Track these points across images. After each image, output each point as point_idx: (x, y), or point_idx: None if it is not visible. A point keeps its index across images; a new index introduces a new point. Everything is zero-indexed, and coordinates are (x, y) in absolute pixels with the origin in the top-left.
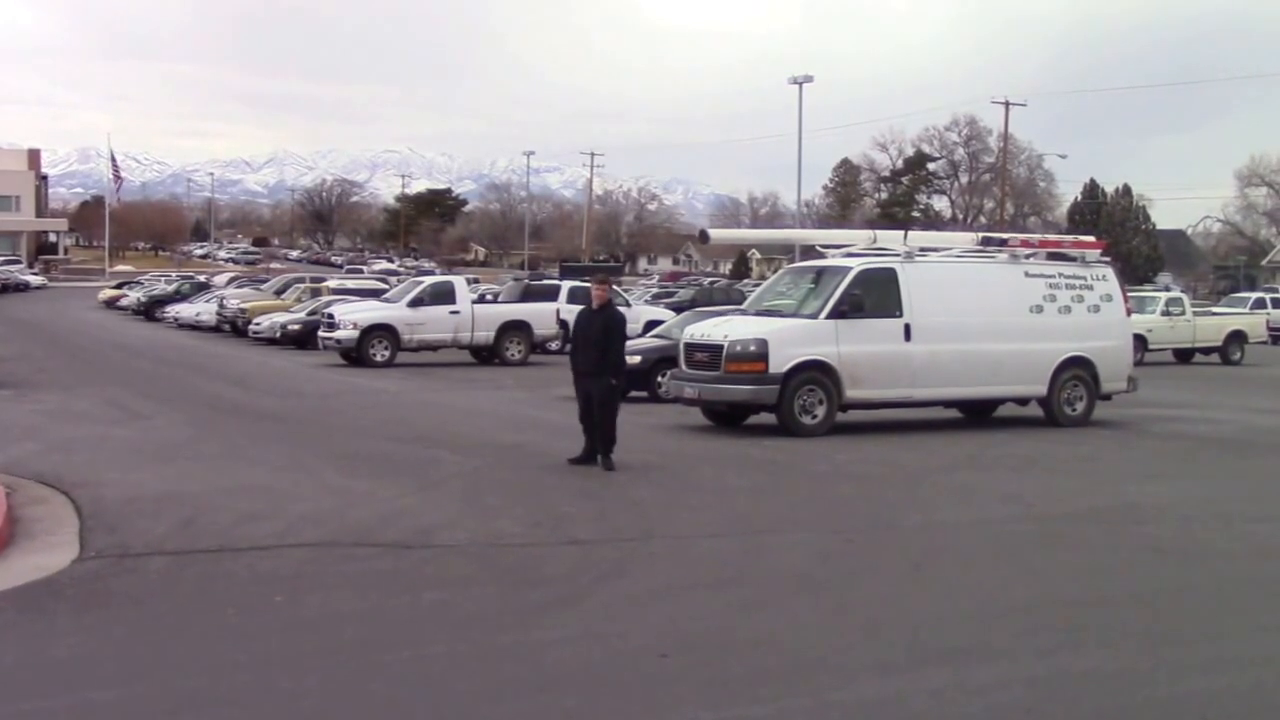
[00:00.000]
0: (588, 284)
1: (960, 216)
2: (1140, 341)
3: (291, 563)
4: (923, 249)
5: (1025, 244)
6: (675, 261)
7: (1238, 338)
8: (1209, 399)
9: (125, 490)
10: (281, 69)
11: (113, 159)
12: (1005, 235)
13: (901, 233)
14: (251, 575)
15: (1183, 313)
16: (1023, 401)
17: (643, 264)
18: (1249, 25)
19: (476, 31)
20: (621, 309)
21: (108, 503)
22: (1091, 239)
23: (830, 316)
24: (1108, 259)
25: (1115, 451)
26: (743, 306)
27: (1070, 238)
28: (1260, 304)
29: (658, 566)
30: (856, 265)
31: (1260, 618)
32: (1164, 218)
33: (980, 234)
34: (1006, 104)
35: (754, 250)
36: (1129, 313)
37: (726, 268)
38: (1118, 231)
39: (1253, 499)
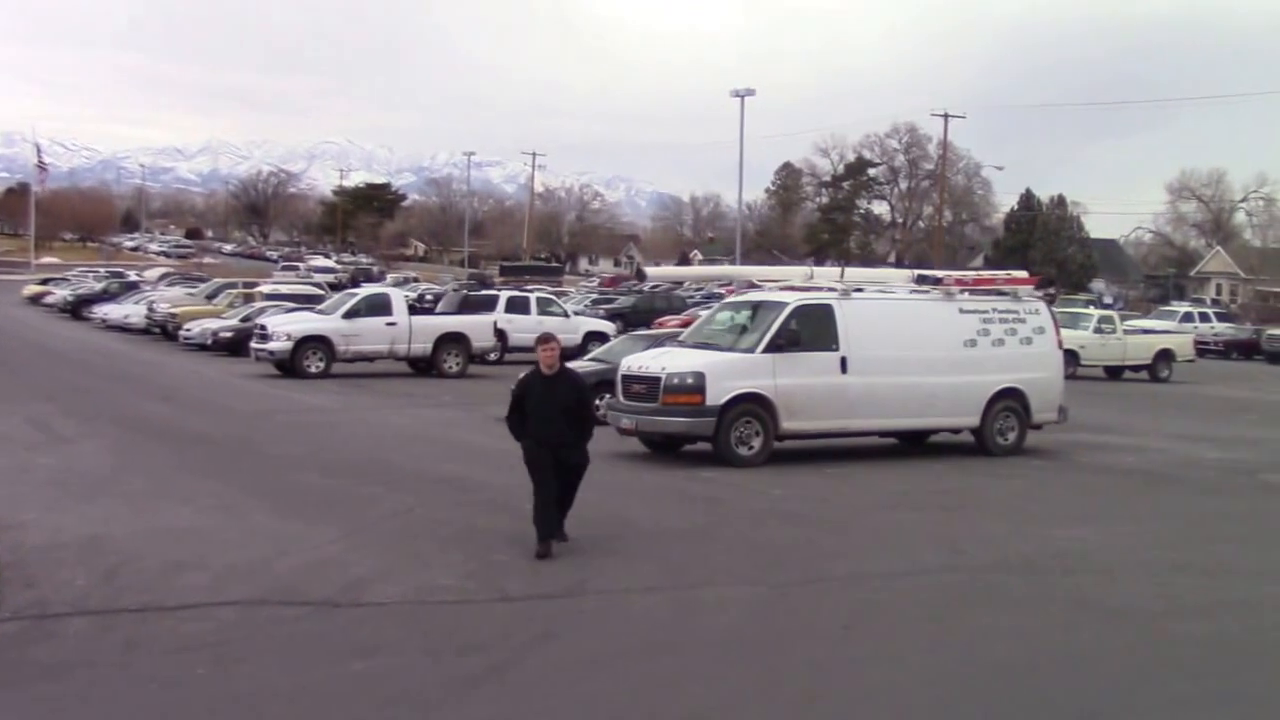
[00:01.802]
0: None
1: (899, 221)
2: (1072, 358)
3: (217, 625)
4: (859, 286)
5: (959, 282)
6: (616, 263)
7: (1166, 356)
8: (1136, 422)
9: (46, 534)
10: (217, 57)
11: (37, 147)
12: (940, 274)
13: (838, 269)
14: (176, 640)
15: (1114, 330)
16: (956, 430)
17: (584, 264)
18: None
19: (418, 23)
20: (559, 319)
21: (27, 549)
22: (1024, 274)
23: (767, 350)
24: (1040, 293)
25: (1043, 488)
26: (680, 339)
27: (1004, 273)
28: (1189, 317)
29: (589, 628)
30: (793, 300)
31: (1176, 687)
32: (1097, 227)
33: (915, 273)
34: (946, 116)
35: (696, 253)
36: (1060, 344)
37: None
38: (1052, 240)
39: (1174, 544)
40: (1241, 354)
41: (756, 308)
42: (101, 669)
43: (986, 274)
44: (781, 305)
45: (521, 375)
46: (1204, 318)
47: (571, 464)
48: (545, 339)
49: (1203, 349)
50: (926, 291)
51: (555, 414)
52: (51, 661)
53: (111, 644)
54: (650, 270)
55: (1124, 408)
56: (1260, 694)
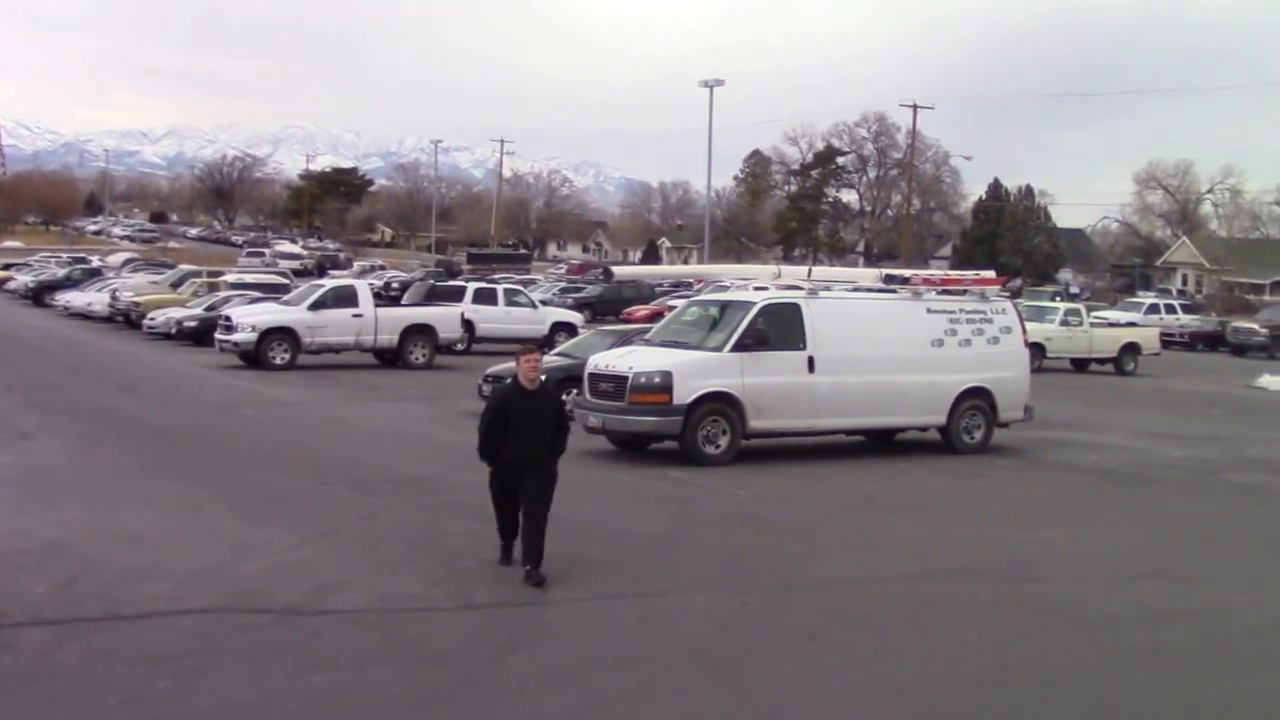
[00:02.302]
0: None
1: (868, 210)
2: (1039, 350)
3: (179, 635)
4: (826, 285)
5: (926, 281)
6: (585, 249)
7: (1132, 349)
8: (1101, 418)
9: (7, 539)
10: (183, 40)
11: None
12: (908, 273)
13: (806, 269)
14: (136, 651)
15: (1080, 323)
16: (923, 429)
17: (552, 250)
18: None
19: (386, 6)
20: (526, 310)
21: None
22: (991, 274)
23: (735, 349)
24: (1007, 293)
25: (1008, 489)
26: (647, 337)
27: (971, 274)
28: (1154, 309)
29: (553, 639)
30: (761, 300)
31: (1142, 701)
32: (1065, 217)
33: (883, 272)
34: (915, 106)
35: (664, 240)
36: (1027, 344)
37: (636, 256)
38: (1020, 230)
39: (1138, 549)
40: (1206, 346)
41: (724, 306)
42: (60, 682)
43: (954, 274)
44: (749, 304)
45: (495, 389)
46: (1169, 309)
47: (536, 484)
48: (529, 350)
49: (1168, 341)
50: (894, 291)
51: (538, 433)
52: (9, 675)
53: (71, 656)
54: (618, 269)
55: (1089, 402)
56: (1227, 706)
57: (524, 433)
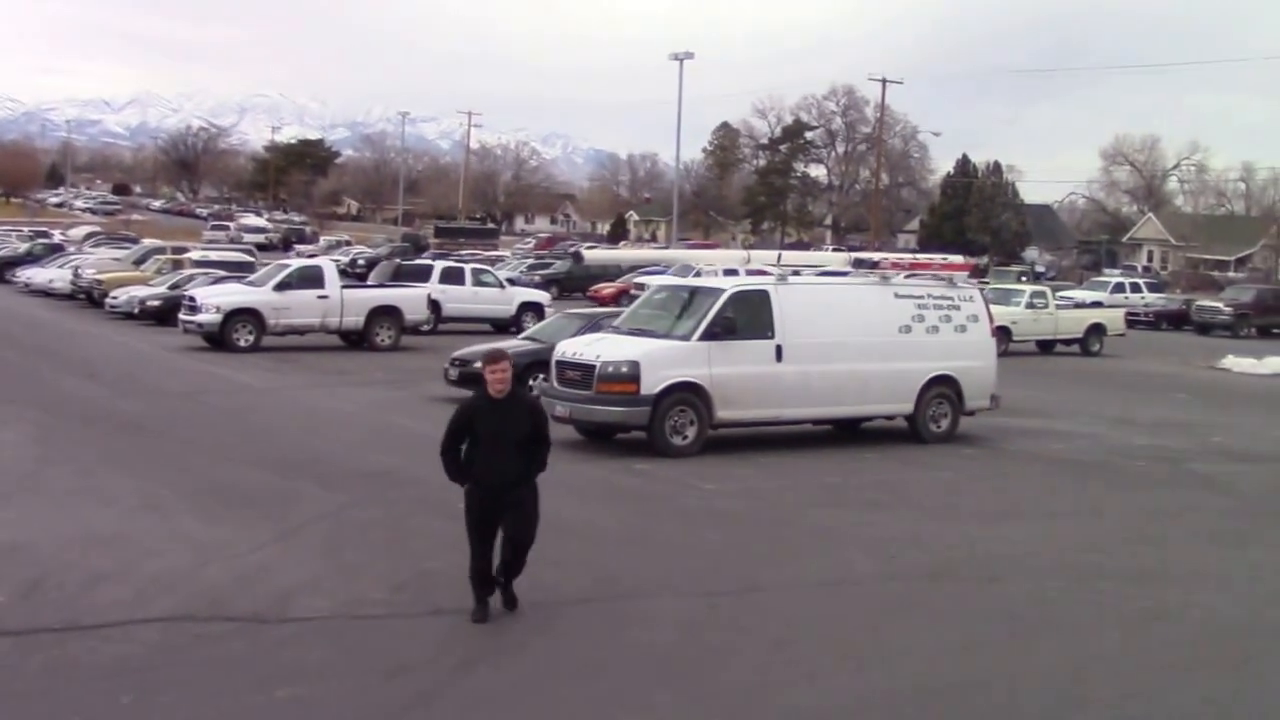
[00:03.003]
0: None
1: (836, 184)
2: (1005, 333)
3: (142, 647)
4: (795, 270)
5: (895, 266)
6: (553, 220)
7: (1097, 330)
8: (1066, 402)
9: None
10: (147, 5)
11: None
12: (877, 257)
13: (776, 253)
14: (99, 664)
15: (1046, 305)
16: (890, 417)
17: (520, 223)
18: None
19: None
20: (494, 290)
21: None
22: (960, 260)
23: (703, 338)
24: (975, 280)
25: (973, 481)
26: (615, 324)
27: (940, 258)
28: (1120, 288)
29: (521, 647)
30: (730, 287)
31: (1101, 711)
32: (1032, 192)
33: (852, 256)
34: (884, 81)
35: (632, 213)
36: (994, 333)
37: (605, 228)
38: (988, 206)
39: (1101, 545)
40: (1171, 324)
41: (693, 292)
42: (22, 699)
43: (923, 258)
44: (718, 291)
45: (461, 402)
46: (1135, 288)
47: (518, 506)
48: (494, 357)
49: (1133, 320)
50: (863, 275)
51: (508, 447)
52: None
53: (33, 669)
54: (588, 253)
55: (1054, 386)
56: (1192, 713)
57: (495, 449)
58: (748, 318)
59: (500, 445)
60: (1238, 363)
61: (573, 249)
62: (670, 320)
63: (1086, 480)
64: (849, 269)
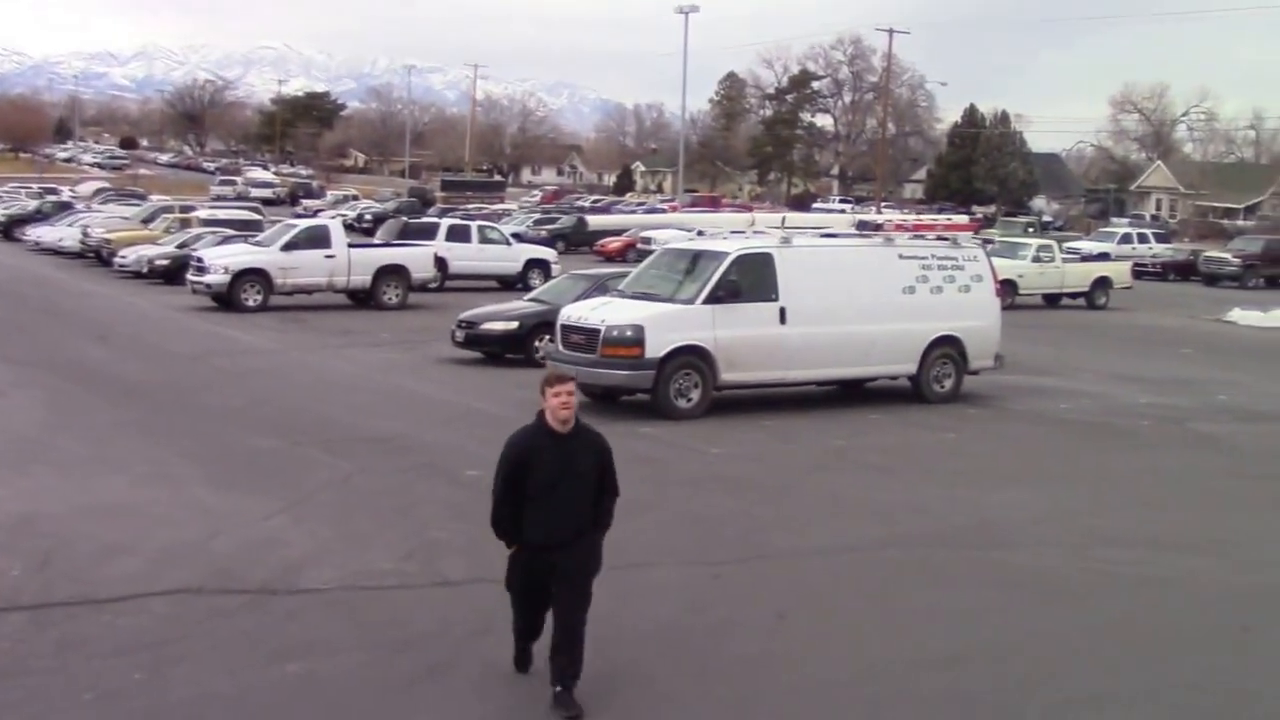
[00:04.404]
0: (471, 219)
1: (843, 134)
2: (1011, 287)
3: (154, 620)
4: (800, 231)
5: (899, 228)
6: (560, 172)
7: (1104, 283)
8: (1071, 359)
9: None
10: None
11: None
12: (880, 219)
13: (781, 216)
14: (111, 639)
15: (1052, 259)
16: (894, 377)
17: (526, 175)
18: None
19: None
20: (500, 247)
21: None
22: (964, 220)
23: (707, 302)
24: (980, 241)
25: (977, 442)
26: (620, 287)
27: (944, 218)
28: (1127, 238)
29: None
30: (734, 250)
31: (1100, 679)
32: (1040, 141)
33: (857, 218)
34: (890, 31)
35: (638, 164)
36: (999, 293)
37: (611, 179)
38: (995, 156)
39: (1103, 509)
40: (1179, 275)
41: (697, 256)
42: (38, 675)
43: (927, 219)
44: (722, 255)
45: (513, 436)
46: (1142, 238)
47: (571, 573)
48: (557, 379)
49: (1140, 271)
50: (866, 239)
51: (575, 497)
52: None
53: (46, 644)
54: (592, 219)
55: (1060, 342)
56: (1192, 682)
57: (553, 498)
58: (752, 281)
59: (559, 494)
60: (1244, 315)
61: (578, 214)
62: (675, 284)
63: (1090, 442)
64: (852, 231)
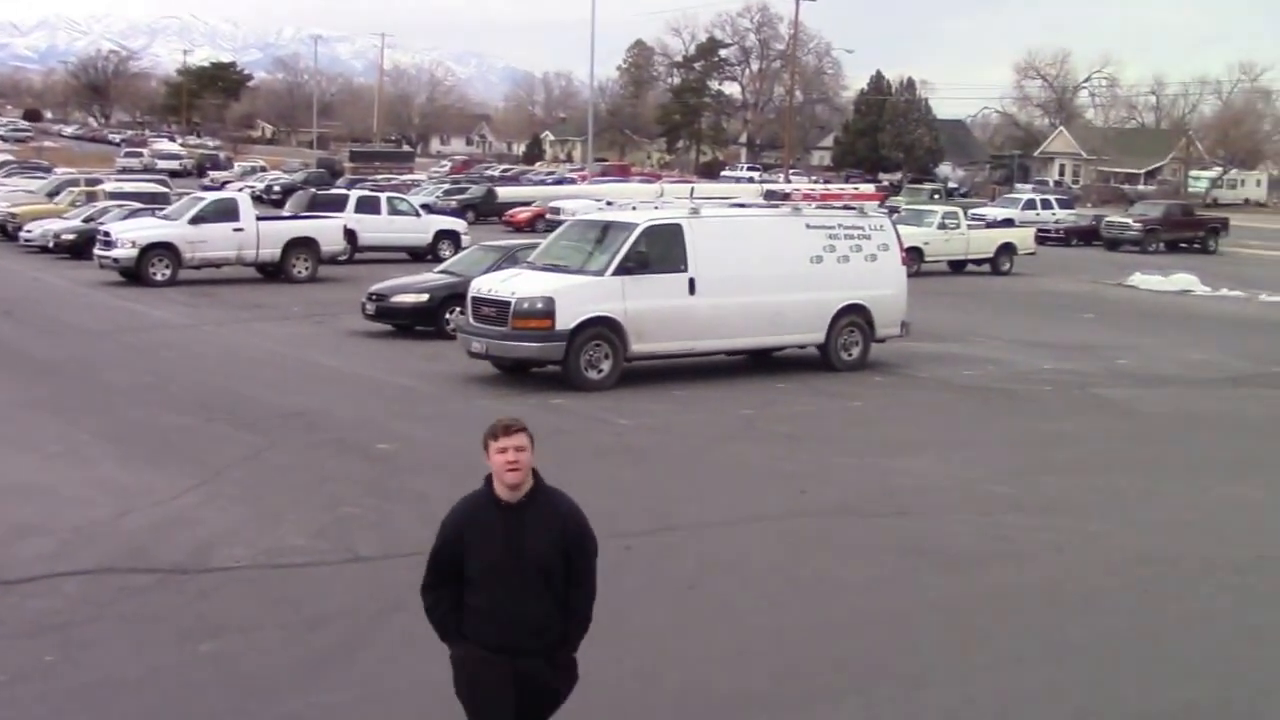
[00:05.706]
0: (380, 190)
1: (751, 102)
2: (917, 254)
3: (65, 601)
4: (708, 201)
5: (807, 197)
6: (469, 142)
7: (1008, 250)
8: (976, 324)
9: None
10: None
11: None
12: (788, 189)
13: (689, 186)
14: (23, 621)
15: (958, 226)
16: (802, 346)
17: (435, 145)
18: None
19: None
20: (410, 218)
21: None
22: (871, 189)
23: (617, 273)
24: (886, 210)
25: (883, 411)
26: (530, 259)
27: (851, 188)
28: (1030, 204)
29: None
30: (643, 221)
31: (1003, 644)
32: (945, 108)
33: (764, 188)
34: None
35: (547, 133)
36: (905, 262)
37: (520, 148)
38: (901, 123)
39: (1007, 476)
40: (1081, 240)
41: (606, 227)
42: None
43: (834, 189)
44: (631, 226)
45: (454, 507)
46: (1045, 204)
47: (540, 692)
48: (504, 429)
49: (1044, 236)
50: (774, 209)
51: (529, 582)
52: None
53: None
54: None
55: (965, 308)
56: (1087, 645)
57: (503, 586)
58: (661, 251)
59: (506, 583)
60: (1145, 280)
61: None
62: (584, 255)
63: (993, 408)
64: (760, 201)
